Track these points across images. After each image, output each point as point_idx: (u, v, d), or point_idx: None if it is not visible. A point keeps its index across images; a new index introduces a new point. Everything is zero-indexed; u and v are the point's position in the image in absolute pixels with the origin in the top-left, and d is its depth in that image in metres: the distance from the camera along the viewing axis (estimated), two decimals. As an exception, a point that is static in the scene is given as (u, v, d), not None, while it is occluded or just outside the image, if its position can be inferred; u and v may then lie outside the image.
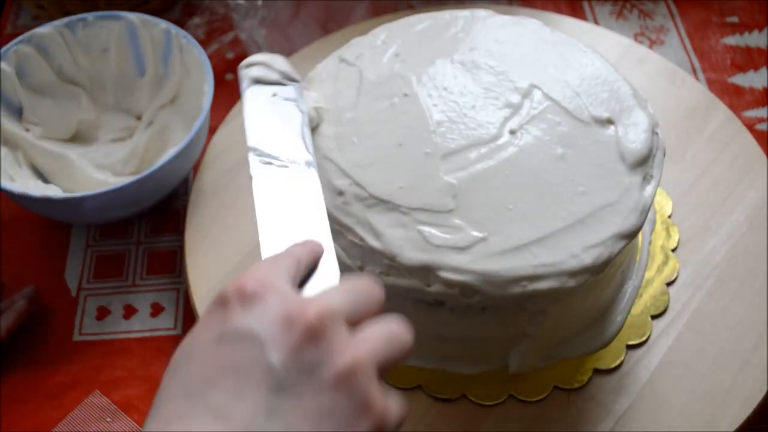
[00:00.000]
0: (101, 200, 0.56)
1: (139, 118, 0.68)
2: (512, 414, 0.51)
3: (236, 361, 0.30)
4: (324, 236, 0.39)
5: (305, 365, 0.30)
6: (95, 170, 0.63)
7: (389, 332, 0.33)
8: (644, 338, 0.54)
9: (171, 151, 0.57)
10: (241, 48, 0.76)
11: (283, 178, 0.43)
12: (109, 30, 0.65)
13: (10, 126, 0.63)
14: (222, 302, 0.32)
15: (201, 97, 0.60)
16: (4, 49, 0.63)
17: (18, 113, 0.65)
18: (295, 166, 0.44)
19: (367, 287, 0.34)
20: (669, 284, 0.57)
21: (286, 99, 0.49)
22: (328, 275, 0.37)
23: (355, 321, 0.33)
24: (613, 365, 0.53)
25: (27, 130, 0.65)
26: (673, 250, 0.58)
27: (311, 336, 0.30)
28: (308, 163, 0.45)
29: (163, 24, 0.64)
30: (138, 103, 0.68)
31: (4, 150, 0.62)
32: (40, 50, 0.64)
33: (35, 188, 0.59)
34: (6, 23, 0.80)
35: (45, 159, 0.63)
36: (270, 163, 0.44)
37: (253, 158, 0.44)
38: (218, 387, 0.30)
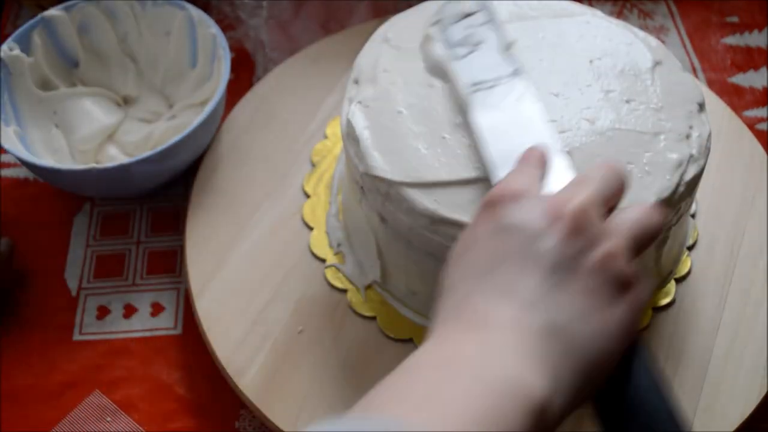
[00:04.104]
0: (82, 177, 0.58)
1: (172, 107, 0.69)
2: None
3: (513, 248, 0.36)
4: (547, 136, 0.44)
5: (572, 252, 0.35)
6: (108, 144, 0.65)
7: (639, 216, 0.38)
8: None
9: (166, 143, 0.58)
10: (241, 49, 0.76)
11: (495, 98, 0.47)
12: (173, 16, 0.67)
13: (55, 71, 0.66)
14: (491, 203, 0.38)
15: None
16: (69, 3, 0.65)
17: (73, 65, 0.68)
18: (501, 81, 0.48)
19: (611, 171, 0.39)
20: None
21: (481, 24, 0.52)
22: (563, 171, 0.41)
23: (607, 205, 0.38)
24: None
25: (74, 84, 0.67)
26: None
27: (575, 228, 0.36)
28: (515, 72, 0.49)
29: (213, 28, 0.65)
30: (179, 92, 0.68)
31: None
32: (107, 13, 0.67)
33: (24, 152, 0.60)
34: (6, 23, 0.80)
35: (70, 113, 0.66)
36: (478, 90, 0.48)
37: (466, 92, 0.48)
38: (501, 269, 0.36)
